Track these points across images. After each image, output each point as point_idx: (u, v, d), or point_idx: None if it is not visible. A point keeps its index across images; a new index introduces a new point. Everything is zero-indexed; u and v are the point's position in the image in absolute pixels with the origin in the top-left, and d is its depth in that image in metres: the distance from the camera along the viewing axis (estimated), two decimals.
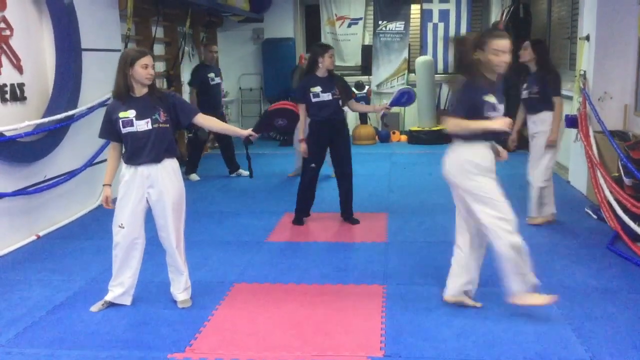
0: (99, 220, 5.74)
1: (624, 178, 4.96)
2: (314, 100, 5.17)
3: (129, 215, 3.58)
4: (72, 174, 5.71)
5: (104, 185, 3.65)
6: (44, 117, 5.23)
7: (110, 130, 3.56)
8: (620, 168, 5.07)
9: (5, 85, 4.88)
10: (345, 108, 5.46)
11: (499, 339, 3.23)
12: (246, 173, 7.69)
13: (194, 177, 7.62)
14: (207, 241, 5.07)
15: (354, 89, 10.44)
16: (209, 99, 7.39)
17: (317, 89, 5.16)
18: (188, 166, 7.58)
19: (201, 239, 5.13)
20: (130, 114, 3.48)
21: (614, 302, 3.66)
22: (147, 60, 3.47)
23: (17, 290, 4.07)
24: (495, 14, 10.66)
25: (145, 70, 3.46)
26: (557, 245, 4.77)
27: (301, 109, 5.22)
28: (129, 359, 3.11)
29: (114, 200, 3.64)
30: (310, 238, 5.14)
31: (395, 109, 11.16)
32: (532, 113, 5.21)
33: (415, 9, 11.13)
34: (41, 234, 5.25)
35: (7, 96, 4.91)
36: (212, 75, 7.49)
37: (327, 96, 5.17)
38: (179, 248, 3.70)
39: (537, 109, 5.13)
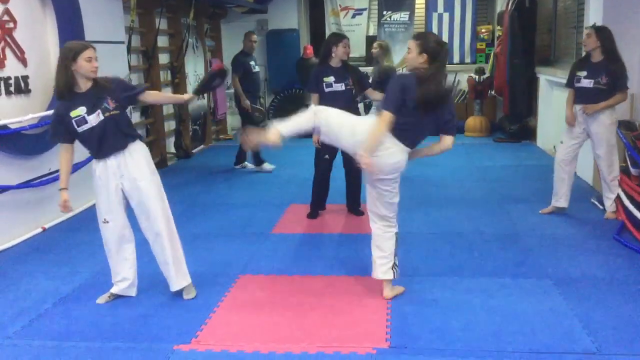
0: None
1: (631, 168, 4.94)
2: (326, 90, 5.12)
3: (109, 209, 3.56)
4: (76, 167, 5.68)
5: (60, 189, 3.50)
6: (48, 109, 5.22)
7: (62, 132, 3.45)
8: (627, 158, 5.04)
9: (9, 78, 4.88)
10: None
11: (504, 330, 3.22)
12: (251, 166, 7.69)
13: (267, 166, 7.54)
14: (212, 233, 5.07)
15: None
16: (252, 85, 7.48)
17: (330, 79, 5.12)
18: (255, 158, 7.58)
19: (206, 231, 5.13)
20: (81, 111, 3.39)
21: (620, 293, 3.65)
22: (90, 52, 3.38)
23: (23, 282, 4.09)
24: (501, 4, 10.59)
25: (90, 63, 3.37)
26: (563, 235, 4.76)
27: (314, 99, 5.20)
28: (134, 351, 3.12)
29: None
30: (316, 230, 5.13)
31: None
32: (593, 104, 4.96)
33: None
34: (47, 226, 5.27)
35: (12, 89, 4.91)
36: (252, 63, 7.57)
37: (340, 86, 5.12)
38: (170, 230, 3.63)
39: (601, 101, 4.93)
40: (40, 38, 5.35)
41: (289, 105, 10.43)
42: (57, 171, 5.38)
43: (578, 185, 6.33)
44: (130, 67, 7.01)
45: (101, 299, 3.72)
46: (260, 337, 3.23)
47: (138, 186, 3.53)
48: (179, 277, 3.70)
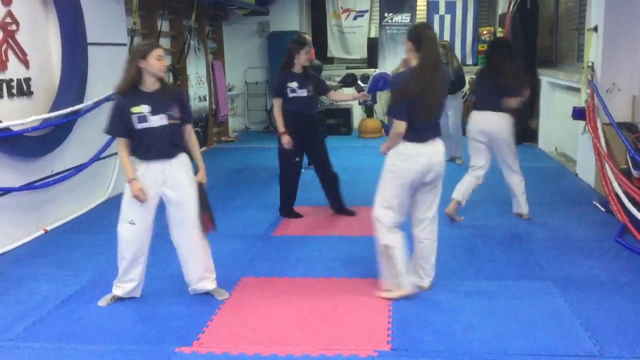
0: (107, 214, 5.76)
1: (632, 170, 4.94)
2: (290, 95, 5.22)
3: (142, 212, 3.56)
4: (79, 169, 5.72)
5: (131, 180, 3.48)
6: (50, 111, 5.24)
7: (121, 126, 3.49)
8: (629, 160, 5.04)
9: (11, 80, 4.89)
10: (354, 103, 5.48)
11: (506, 332, 3.22)
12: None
13: None
14: (214, 235, 5.01)
15: (360, 82, 10.43)
16: None
17: (294, 84, 5.22)
18: None
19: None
20: (144, 109, 3.44)
21: (622, 295, 3.65)
22: (160, 51, 3.46)
23: (25, 284, 4.09)
24: (502, 6, 10.59)
25: (160, 62, 3.45)
26: (565, 238, 4.75)
27: (277, 103, 5.28)
28: (136, 353, 3.12)
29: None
30: (317, 232, 5.13)
31: None
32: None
33: (421, 0, 11.07)
34: (49, 228, 5.27)
35: (14, 91, 4.91)
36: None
37: (303, 92, 5.24)
38: (203, 239, 3.72)
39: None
40: (42, 40, 5.36)
41: None
42: (58, 173, 5.42)
43: (580, 188, 6.34)
44: None
45: (103, 302, 3.73)
46: (262, 339, 3.23)
47: (182, 194, 3.57)
48: (208, 283, 3.79)
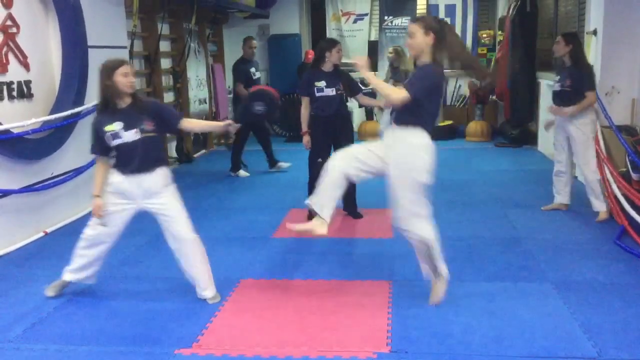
0: None
1: (632, 173, 4.95)
2: (317, 94, 5.17)
3: (114, 219, 3.61)
4: (78, 171, 5.73)
5: (94, 196, 3.60)
6: (50, 114, 5.25)
7: (101, 145, 3.55)
8: (628, 163, 5.05)
9: (12, 82, 4.90)
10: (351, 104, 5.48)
11: (505, 334, 3.22)
12: (245, 173, 7.68)
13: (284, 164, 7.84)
14: (213, 237, 5.07)
15: (361, 84, 10.46)
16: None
17: (322, 83, 5.17)
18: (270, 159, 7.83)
19: (207, 235, 5.09)
20: (117, 126, 3.47)
21: (621, 297, 3.65)
22: (125, 68, 3.46)
23: (25, 286, 4.09)
24: (502, 9, 10.62)
25: (126, 78, 3.45)
26: (564, 240, 4.76)
27: (304, 103, 5.23)
28: (136, 355, 3.12)
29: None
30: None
31: None
32: (563, 106, 5.21)
33: (421, 4, 11.08)
34: (48, 230, 5.28)
35: (14, 93, 4.93)
36: (253, 69, 7.75)
37: (330, 91, 5.17)
38: (196, 239, 3.73)
39: (568, 103, 5.13)
40: (42, 43, 5.37)
41: (290, 110, 10.47)
42: (58, 176, 5.43)
43: (579, 190, 6.33)
44: None
45: (50, 291, 3.83)
46: (261, 341, 3.23)
47: (162, 207, 3.61)
48: (210, 284, 3.78)
